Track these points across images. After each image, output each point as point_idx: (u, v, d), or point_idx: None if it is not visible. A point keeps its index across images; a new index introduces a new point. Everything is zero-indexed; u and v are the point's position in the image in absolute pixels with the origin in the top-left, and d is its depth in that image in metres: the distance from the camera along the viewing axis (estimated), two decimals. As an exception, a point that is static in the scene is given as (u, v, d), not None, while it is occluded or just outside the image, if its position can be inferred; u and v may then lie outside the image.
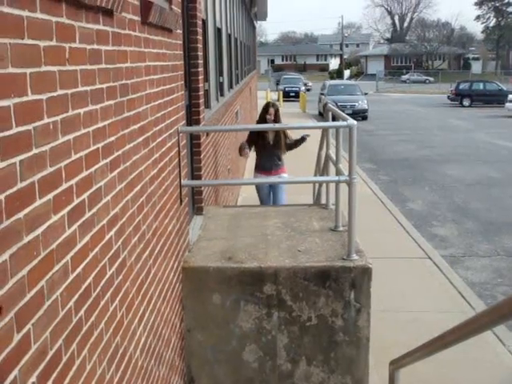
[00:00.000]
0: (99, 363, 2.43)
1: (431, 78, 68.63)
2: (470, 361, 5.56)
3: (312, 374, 4.67)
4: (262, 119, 7.91)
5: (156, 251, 3.57)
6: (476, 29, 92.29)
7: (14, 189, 1.68)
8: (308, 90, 48.22)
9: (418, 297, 7.07)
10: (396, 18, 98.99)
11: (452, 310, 6.69)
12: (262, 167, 8.04)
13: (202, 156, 5.90)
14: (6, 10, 1.63)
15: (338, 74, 78.61)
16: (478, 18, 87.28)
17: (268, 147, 7.91)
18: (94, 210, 2.38)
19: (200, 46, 5.96)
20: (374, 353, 4.84)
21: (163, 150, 3.84)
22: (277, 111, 7.87)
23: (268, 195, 8.16)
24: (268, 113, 7.81)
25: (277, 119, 7.84)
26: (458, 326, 2.69)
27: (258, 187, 8.25)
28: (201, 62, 6.01)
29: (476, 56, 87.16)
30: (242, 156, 8.26)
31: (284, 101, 36.99)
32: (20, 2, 1.72)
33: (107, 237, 2.56)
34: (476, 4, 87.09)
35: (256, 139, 7.88)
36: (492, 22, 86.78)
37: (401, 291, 7.22)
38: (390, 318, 6.43)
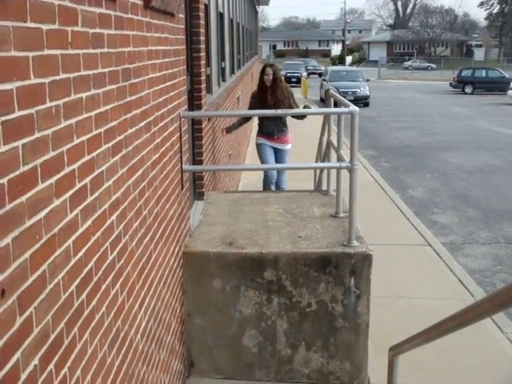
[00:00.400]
0: (100, 347, 2.44)
1: (433, 65, 68.43)
2: (469, 348, 5.58)
3: (311, 359, 4.70)
4: (261, 82, 7.48)
5: (157, 236, 3.58)
6: (479, 15, 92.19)
7: (17, 172, 1.69)
8: (320, 74, 47.04)
9: (417, 284, 7.09)
10: (399, 4, 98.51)
11: (451, 297, 6.71)
12: (264, 131, 7.69)
13: (203, 141, 5.89)
14: (9, -8, 1.62)
15: (340, 60, 78.33)
16: (481, 4, 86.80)
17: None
18: (96, 194, 2.39)
19: (202, 30, 5.94)
20: (373, 339, 4.86)
21: (165, 134, 3.84)
22: (275, 71, 7.39)
23: (271, 156, 7.79)
24: (265, 73, 7.37)
25: (276, 79, 7.36)
26: (457, 313, 2.70)
27: (261, 150, 7.82)
28: (203, 46, 5.99)
29: (479, 43, 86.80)
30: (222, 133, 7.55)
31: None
32: (23, -16, 1.71)
33: (109, 221, 2.57)
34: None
35: (258, 107, 7.39)
36: (496, 9, 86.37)
37: (401, 278, 7.24)
38: (390, 305, 6.45)
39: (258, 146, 7.85)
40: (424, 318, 5.47)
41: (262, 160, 7.77)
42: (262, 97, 7.38)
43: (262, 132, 7.73)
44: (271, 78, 7.29)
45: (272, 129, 7.57)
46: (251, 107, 7.67)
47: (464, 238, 9.31)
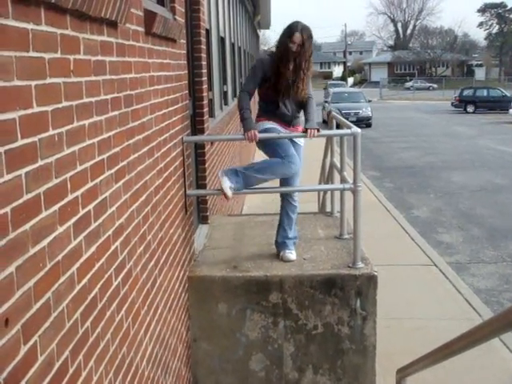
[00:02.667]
0: (106, 374, 2.43)
1: (435, 85, 68.64)
2: (478, 368, 5.53)
3: (319, 382, 4.66)
4: (285, 50, 4.66)
5: (161, 261, 3.57)
6: (479, 35, 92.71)
7: (20, 201, 1.69)
8: None
9: (424, 304, 7.05)
10: (399, 25, 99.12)
11: (458, 317, 6.66)
12: (278, 113, 4.84)
13: (206, 165, 5.90)
14: (11, 23, 1.64)
15: (341, 81, 78.64)
16: (480, 24, 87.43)
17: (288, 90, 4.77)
18: (100, 220, 2.39)
19: (204, 55, 5.98)
20: (380, 361, 4.82)
21: (168, 159, 3.85)
22: (309, 38, 4.66)
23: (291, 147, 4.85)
24: (292, 40, 4.60)
25: (304, 54, 4.66)
26: (464, 333, 2.68)
27: (277, 142, 4.79)
28: (205, 71, 6.03)
29: (479, 63, 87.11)
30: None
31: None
32: (25, 14, 1.73)
33: (113, 247, 2.56)
34: (479, 11, 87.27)
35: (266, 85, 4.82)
36: (495, 29, 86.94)
37: (407, 299, 7.20)
38: (397, 326, 6.41)
39: (269, 132, 4.85)
40: (431, 338, 5.43)
41: (280, 152, 4.78)
42: (277, 70, 4.71)
43: (272, 113, 4.89)
44: (298, 50, 4.64)
45: (290, 116, 4.89)
46: (255, 81, 4.86)
47: (470, 257, 9.27)
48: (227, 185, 4.60)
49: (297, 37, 4.58)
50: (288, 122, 4.88)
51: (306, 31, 4.63)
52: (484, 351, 5.35)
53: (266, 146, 4.86)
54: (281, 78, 4.70)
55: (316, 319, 4.56)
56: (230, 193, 4.59)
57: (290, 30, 4.63)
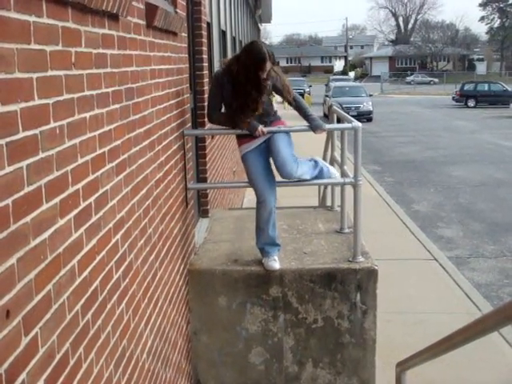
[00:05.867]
0: (106, 366, 2.43)
1: (436, 80, 68.54)
2: (477, 362, 5.54)
3: (318, 376, 4.67)
4: (254, 79, 4.23)
5: (162, 254, 3.58)
6: (480, 30, 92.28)
7: (21, 193, 1.69)
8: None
9: (424, 298, 7.06)
10: (400, 19, 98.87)
11: (458, 311, 6.67)
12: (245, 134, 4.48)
13: (207, 159, 5.90)
14: (13, 15, 1.64)
15: (343, 75, 78.54)
16: (482, 19, 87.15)
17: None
18: (101, 213, 2.39)
19: (205, 48, 5.97)
20: (380, 354, 4.83)
21: (169, 153, 3.85)
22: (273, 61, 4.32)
23: (267, 176, 4.50)
24: (263, 69, 4.20)
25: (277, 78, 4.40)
26: (464, 327, 2.69)
27: (250, 166, 4.53)
28: (206, 64, 6.02)
29: (481, 57, 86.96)
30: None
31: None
32: (27, 7, 1.73)
33: (113, 240, 2.57)
34: (480, 5, 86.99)
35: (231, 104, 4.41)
36: (496, 23, 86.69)
37: (407, 293, 7.21)
38: (397, 320, 6.42)
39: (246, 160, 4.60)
40: (431, 332, 5.44)
41: (254, 176, 4.54)
42: (239, 95, 4.31)
43: (241, 136, 4.58)
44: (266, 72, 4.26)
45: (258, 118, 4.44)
46: (218, 95, 4.45)
47: (470, 251, 9.28)
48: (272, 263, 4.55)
49: (268, 66, 4.22)
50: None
51: (271, 57, 4.25)
52: (483, 345, 5.36)
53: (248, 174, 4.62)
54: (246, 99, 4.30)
55: (316, 313, 4.57)
56: (277, 265, 4.55)
57: (254, 54, 4.19)
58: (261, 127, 4.38)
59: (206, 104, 5.71)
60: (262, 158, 4.53)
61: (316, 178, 4.75)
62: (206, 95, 5.94)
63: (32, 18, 1.76)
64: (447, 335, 2.92)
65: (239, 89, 4.29)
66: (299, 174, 4.54)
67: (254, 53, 4.22)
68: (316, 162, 4.79)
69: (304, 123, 4.62)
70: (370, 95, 32.56)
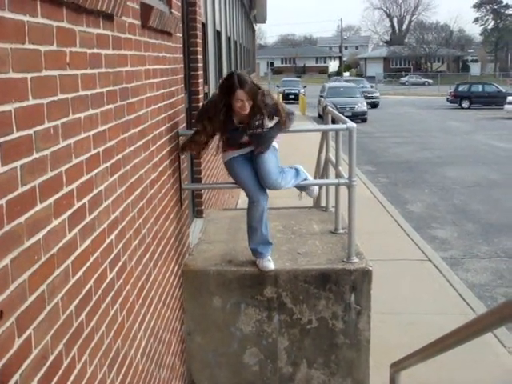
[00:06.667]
0: (100, 367, 2.43)
1: (430, 81, 68.68)
2: (471, 363, 5.55)
3: (313, 376, 4.67)
4: (227, 113, 4.22)
5: (156, 254, 3.57)
6: (474, 31, 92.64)
7: (15, 193, 1.69)
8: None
9: (418, 299, 7.07)
10: (395, 20, 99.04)
11: (452, 312, 6.68)
12: (231, 141, 4.41)
13: (202, 159, 5.90)
14: (8, 15, 1.63)
15: (338, 76, 78.64)
16: (476, 20, 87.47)
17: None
18: (95, 213, 2.38)
19: (200, 49, 5.97)
20: (374, 355, 4.83)
21: (163, 153, 3.84)
22: (252, 88, 4.14)
23: (255, 177, 4.43)
24: (236, 99, 4.10)
25: (257, 102, 4.19)
26: (458, 328, 2.69)
27: (237, 169, 4.51)
28: (200, 65, 6.02)
29: (475, 58, 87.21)
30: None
31: (284, 103, 36.93)
32: (21, 6, 1.72)
33: (108, 240, 2.56)
34: (474, 6, 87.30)
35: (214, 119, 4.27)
36: (490, 25, 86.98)
37: (401, 293, 7.22)
38: (391, 321, 6.43)
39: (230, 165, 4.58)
40: (425, 333, 5.45)
41: (243, 183, 4.57)
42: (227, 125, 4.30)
43: (226, 144, 4.47)
44: (246, 104, 4.14)
45: (240, 137, 4.40)
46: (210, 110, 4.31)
47: (464, 252, 9.30)
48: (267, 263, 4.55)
49: (239, 94, 4.08)
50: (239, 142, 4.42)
51: (243, 82, 4.09)
52: (477, 346, 5.37)
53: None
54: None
55: (310, 314, 4.57)
56: (272, 265, 4.54)
57: (227, 84, 4.14)
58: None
59: (201, 105, 5.72)
60: (248, 163, 4.48)
61: (298, 185, 4.78)
62: (201, 95, 5.94)
63: (26, 18, 1.76)
64: (441, 336, 2.92)
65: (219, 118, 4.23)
66: (283, 185, 4.53)
67: (223, 84, 4.23)
68: (297, 169, 4.77)
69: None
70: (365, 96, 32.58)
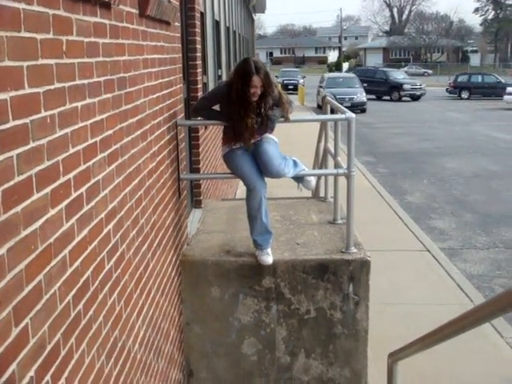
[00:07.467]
0: (98, 357, 2.43)
1: (430, 71, 68.52)
2: (469, 353, 5.57)
3: (311, 366, 4.68)
4: (241, 97, 4.24)
5: (154, 244, 3.57)
6: (474, 21, 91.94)
7: (11, 182, 1.68)
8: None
9: (416, 289, 7.08)
10: (395, 10, 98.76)
11: (450, 302, 6.70)
12: (237, 128, 4.39)
13: (200, 149, 5.89)
14: (3, 2, 1.62)
15: (337, 66, 78.43)
16: (476, 10, 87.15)
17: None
18: (92, 203, 2.38)
19: (198, 38, 5.94)
20: (372, 345, 4.84)
21: (161, 143, 3.83)
22: (266, 76, 4.24)
23: (254, 167, 4.43)
24: (250, 85, 4.19)
25: (267, 91, 4.29)
26: (456, 318, 2.69)
27: (236, 159, 4.50)
28: (199, 54, 6.00)
29: (474, 49, 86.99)
30: None
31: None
32: (16, -6, 1.71)
33: (105, 230, 2.56)
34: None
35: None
36: (490, 15, 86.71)
37: (399, 284, 7.23)
38: (389, 311, 6.44)
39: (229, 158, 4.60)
40: (423, 323, 5.46)
41: (244, 174, 4.52)
42: (236, 110, 4.31)
43: (231, 138, 4.53)
44: (259, 92, 4.26)
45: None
46: (212, 102, 4.58)
47: (462, 243, 9.31)
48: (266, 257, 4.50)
49: (256, 80, 4.17)
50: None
51: (259, 69, 4.19)
52: (475, 336, 5.38)
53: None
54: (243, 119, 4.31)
55: (308, 304, 4.57)
56: (270, 260, 4.49)
57: (243, 70, 4.22)
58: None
59: (199, 95, 5.70)
60: (247, 155, 4.49)
61: (296, 176, 4.76)
62: (200, 85, 5.91)
63: (22, 6, 1.74)
64: (439, 326, 2.92)
65: (232, 109, 4.31)
66: (286, 172, 4.53)
67: (240, 68, 4.31)
68: (295, 161, 4.76)
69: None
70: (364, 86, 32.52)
